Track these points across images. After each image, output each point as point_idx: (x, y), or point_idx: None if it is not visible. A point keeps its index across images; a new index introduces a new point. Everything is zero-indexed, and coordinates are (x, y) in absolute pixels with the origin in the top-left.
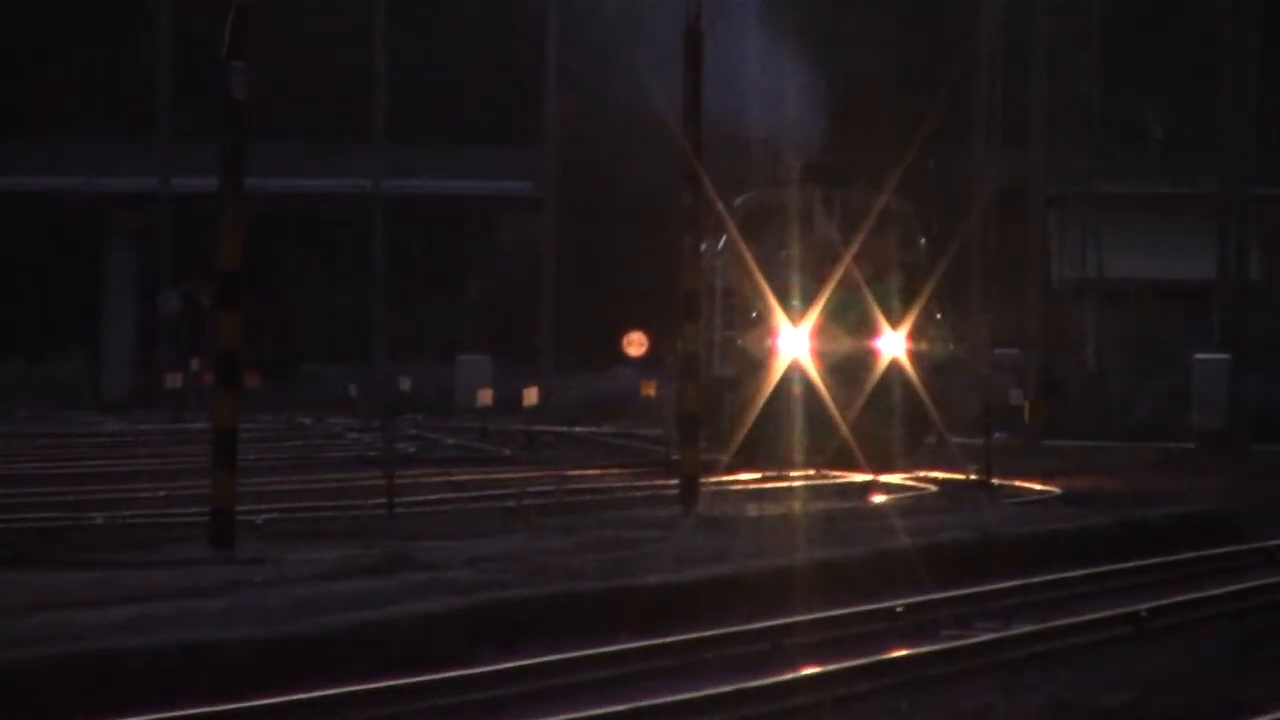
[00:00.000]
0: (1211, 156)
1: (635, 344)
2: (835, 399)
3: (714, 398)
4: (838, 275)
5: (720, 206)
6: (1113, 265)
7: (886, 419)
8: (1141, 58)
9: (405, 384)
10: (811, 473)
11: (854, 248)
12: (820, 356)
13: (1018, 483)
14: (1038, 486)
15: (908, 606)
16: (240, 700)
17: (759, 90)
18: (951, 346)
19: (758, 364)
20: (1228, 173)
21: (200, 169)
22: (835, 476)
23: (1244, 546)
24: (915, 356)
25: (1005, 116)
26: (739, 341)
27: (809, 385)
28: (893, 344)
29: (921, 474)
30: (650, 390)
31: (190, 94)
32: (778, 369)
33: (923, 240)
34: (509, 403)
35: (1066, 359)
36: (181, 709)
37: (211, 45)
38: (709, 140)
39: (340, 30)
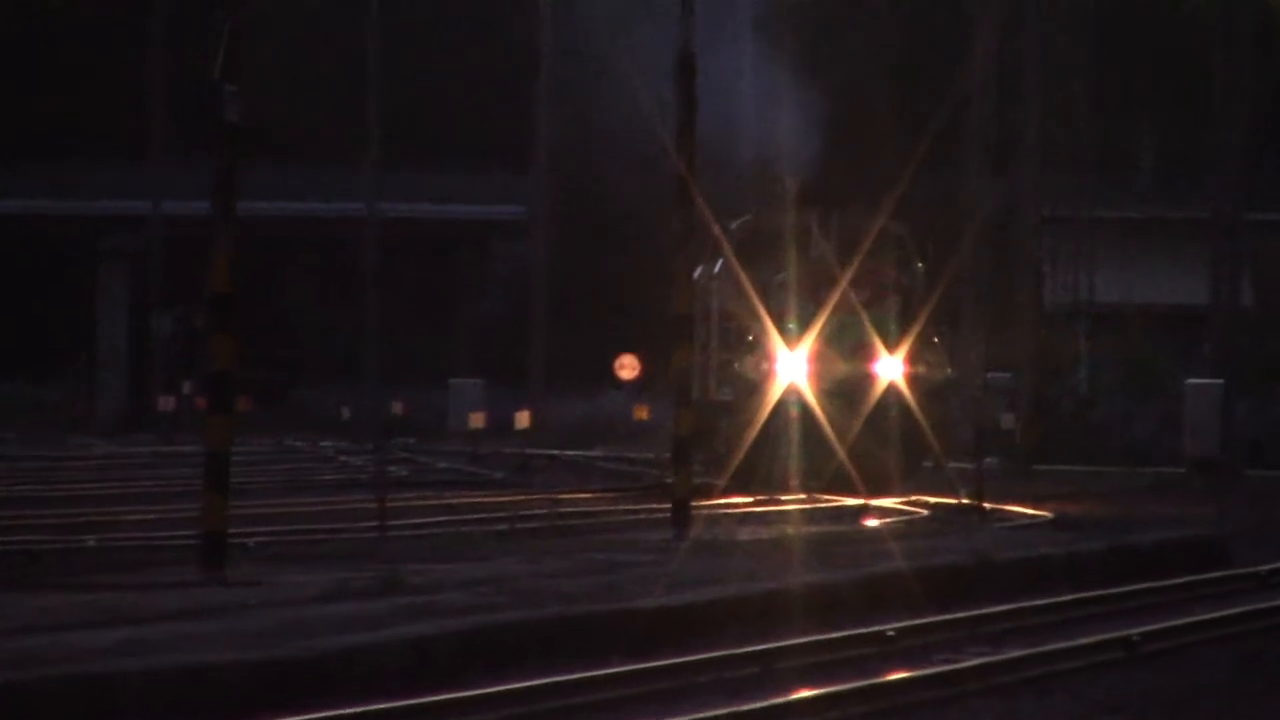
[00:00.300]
0: (1203, 181)
1: (627, 367)
2: (832, 423)
3: (709, 421)
4: (834, 299)
5: (715, 229)
6: (1105, 289)
7: (883, 443)
8: (1134, 82)
9: (397, 407)
10: (804, 497)
11: (850, 271)
12: (817, 380)
13: (1009, 507)
14: (1029, 511)
15: (900, 630)
16: None
17: (755, 110)
18: (949, 370)
19: (754, 388)
20: (1222, 198)
21: (193, 192)
22: (828, 500)
23: (1235, 571)
24: (912, 380)
25: (998, 140)
26: (735, 365)
27: (806, 409)
28: (889, 368)
29: (914, 498)
30: (643, 413)
31: (183, 117)
32: (774, 393)
33: (919, 263)
34: (501, 426)
35: (1058, 383)
36: None
37: (204, 68)
38: (703, 163)
39: (333, 54)
